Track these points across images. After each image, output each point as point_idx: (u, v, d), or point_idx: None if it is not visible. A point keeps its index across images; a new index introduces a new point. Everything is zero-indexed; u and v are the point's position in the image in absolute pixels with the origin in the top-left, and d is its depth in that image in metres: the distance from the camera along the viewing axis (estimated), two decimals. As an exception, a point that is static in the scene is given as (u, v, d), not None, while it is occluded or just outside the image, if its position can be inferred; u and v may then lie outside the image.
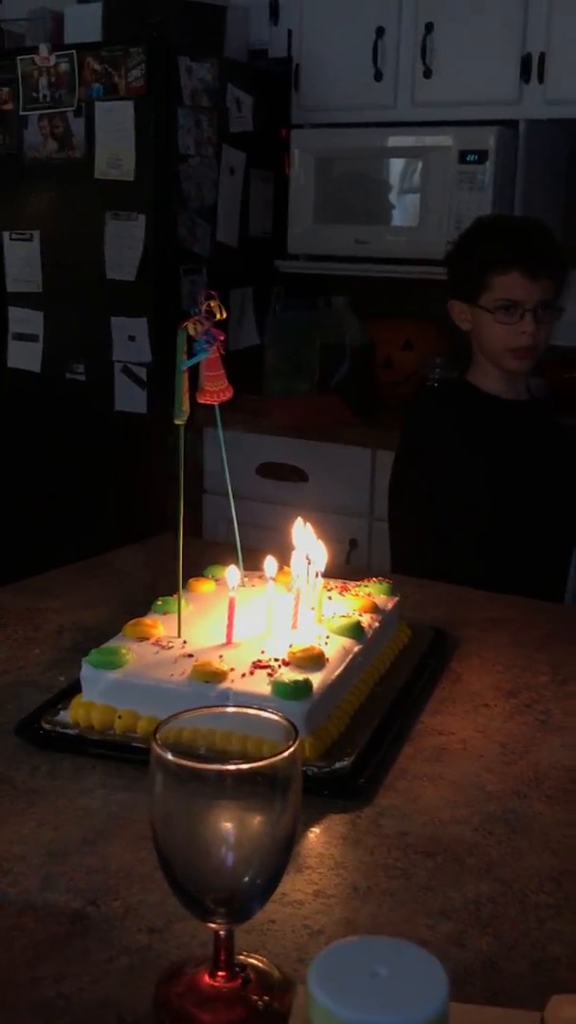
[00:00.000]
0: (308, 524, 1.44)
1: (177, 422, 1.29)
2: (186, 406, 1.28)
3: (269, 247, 3.28)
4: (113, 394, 3.15)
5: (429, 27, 3.01)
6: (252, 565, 1.45)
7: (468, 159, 2.95)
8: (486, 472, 2.07)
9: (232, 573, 1.32)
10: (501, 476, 2.09)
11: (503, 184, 2.96)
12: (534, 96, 2.94)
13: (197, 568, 1.49)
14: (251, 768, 0.74)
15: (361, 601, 1.43)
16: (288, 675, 1.18)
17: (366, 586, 1.49)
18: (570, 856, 1.02)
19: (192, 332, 1.23)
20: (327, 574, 1.42)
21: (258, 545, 1.47)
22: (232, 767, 0.74)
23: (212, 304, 1.21)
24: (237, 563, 1.39)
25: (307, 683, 1.16)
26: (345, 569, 1.72)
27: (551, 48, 2.89)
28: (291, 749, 0.76)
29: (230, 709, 0.91)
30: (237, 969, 0.82)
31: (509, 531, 2.08)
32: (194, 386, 1.32)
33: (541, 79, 2.91)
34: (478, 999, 0.83)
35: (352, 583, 1.51)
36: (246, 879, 0.77)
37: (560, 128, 3.15)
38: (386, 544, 2.27)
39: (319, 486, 3.00)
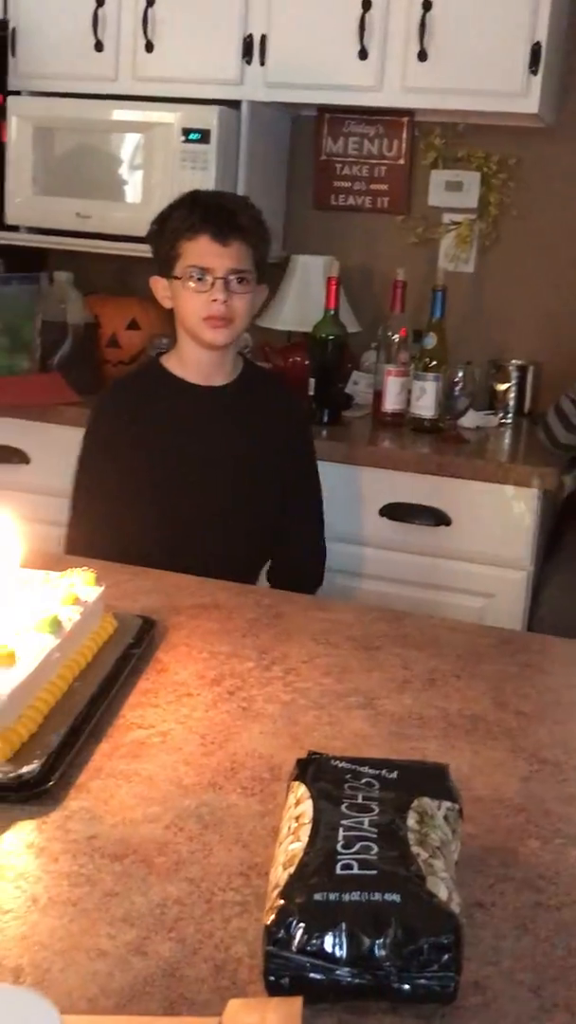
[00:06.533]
0: (8, 512, 1.38)
1: None
2: None
3: (-14, 218, 3.12)
4: None
5: (150, 0, 2.94)
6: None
7: (191, 137, 2.91)
8: (154, 453, 2.08)
9: None
10: (169, 460, 2.08)
11: (226, 164, 2.94)
12: (256, 78, 2.93)
13: None
14: None
15: (63, 593, 1.37)
16: (-27, 676, 1.11)
17: (69, 576, 1.43)
18: (260, 848, 1.00)
19: None
20: (39, 563, 1.35)
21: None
22: None
23: None
24: None
25: (-8, 684, 1.10)
26: (52, 559, 1.66)
27: (271, 30, 2.89)
28: None
29: None
30: None
31: (183, 519, 2.07)
32: None
33: (262, 61, 2.91)
34: (156, 1009, 0.80)
35: (60, 574, 1.45)
36: None
37: (282, 111, 3.16)
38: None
39: (41, 468, 2.90)
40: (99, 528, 2.08)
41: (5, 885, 0.93)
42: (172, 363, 2.13)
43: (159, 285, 2.08)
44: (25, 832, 1.02)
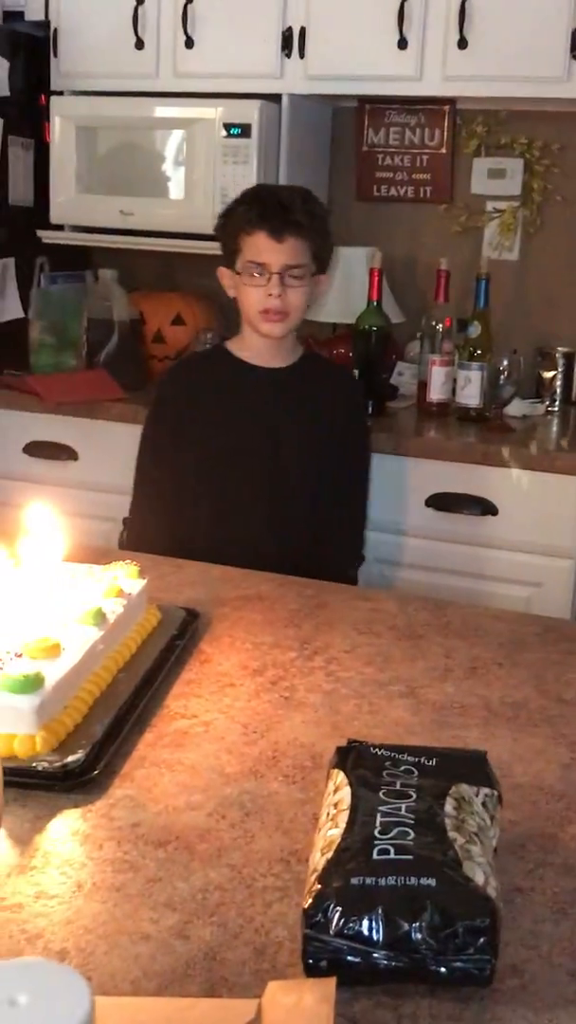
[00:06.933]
0: (52, 507, 1.40)
1: None
2: None
3: (31, 217, 3.16)
4: None
5: (191, -4, 2.96)
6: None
7: (232, 132, 2.92)
8: (210, 427, 2.15)
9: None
10: (224, 433, 2.15)
11: (267, 158, 2.95)
12: (295, 71, 2.93)
13: None
14: None
15: (106, 585, 1.39)
16: (19, 668, 1.13)
17: (112, 569, 1.45)
18: (301, 835, 1.02)
19: None
20: (84, 557, 1.38)
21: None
22: None
23: None
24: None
25: (38, 676, 1.12)
26: (97, 553, 1.68)
27: (310, 23, 2.89)
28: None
29: None
30: None
31: (235, 495, 2.12)
32: None
33: (302, 54, 2.91)
34: (197, 991, 0.82)
35: (104, 567, 1.47)
36: None
37: (322, 103, 3.16)
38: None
39: (89, 465, 2.94)
40: (158, 509, 2.17)
41: (51, 871, 0.95)
42: (235, 346, 2.22)
43: (225, 275, 2.16)
44: (71, 820, 1.04)
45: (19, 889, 0.93)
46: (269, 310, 2.08)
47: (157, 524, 2.13)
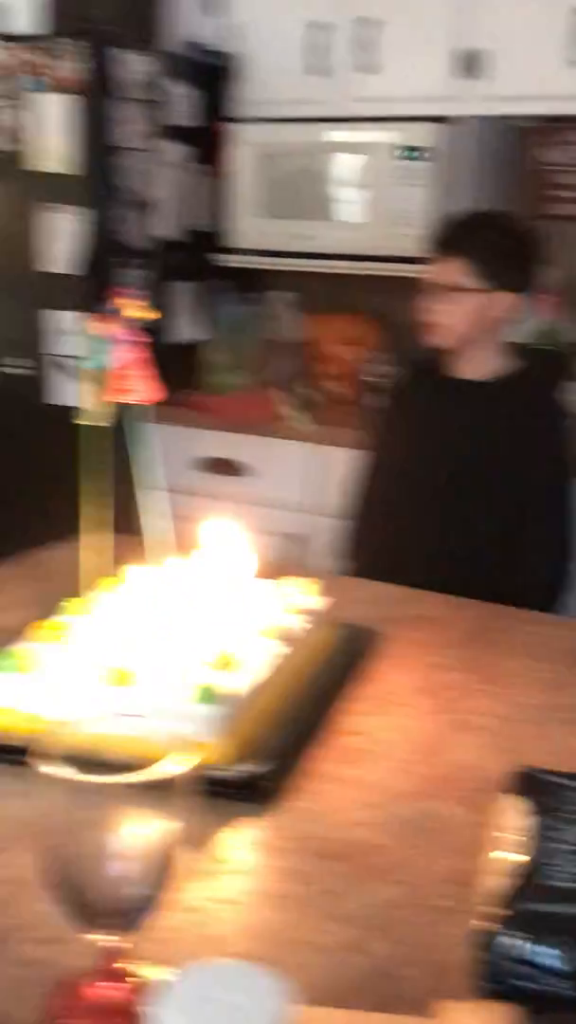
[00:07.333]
0: (237, 522, 1.44)
1: (92, 422, 1.27)
2: (99, 406, 1.27)
3: (211, 241, 3.26)
4: (45, 387, 3.12)
5: (370, 22, 3.00)
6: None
7: (408, 155, 2.94)
8: (405, 432, 2.19)
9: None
10: (413, 441, 2.17)
11: (445, 180, 2.96)
12: (475, 92, 2.93)
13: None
14: (136, 778, 0.73)
15: (288, 602, 1.42)
16: (205, 679, 1.17)
17: (292, 586, 1.48)
18: (474, 858, 1.01)
19: (99, 331, 1.22)
20: (261, 572, 1.42)
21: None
22: (115, 778, 0.73)
23: (121, 302, 1.20)
24: (161, 561, 1.38)
25: (222, 687, 1.15)
26: (277, 568, 1.71)
27: (492, 45, 2.89)
28: (178, 759, 0.75)
29: (126, 716, 0.90)
30: (127, 979, 0.81)
31: (416, 510, 2.14)
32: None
33: (479, 76, 2.91)
34: (370, 1005, 0.83)
35: (281, 583, 1.50)
36: (130, 889, 0.76)
37: (503, 124, 3.15)
38: (328, 541, 2.30)
39: (260, 481, 2.99)
40: (363, 520, 2.22)
41: (229, 877, 0.98)
42: (447, 360, 2.21)
43: None
44: (247, 829, 1.06)
45: (199, 893, 0.96)
46: (426, 324, 2.14)
47: (361, 537, 2.20)
